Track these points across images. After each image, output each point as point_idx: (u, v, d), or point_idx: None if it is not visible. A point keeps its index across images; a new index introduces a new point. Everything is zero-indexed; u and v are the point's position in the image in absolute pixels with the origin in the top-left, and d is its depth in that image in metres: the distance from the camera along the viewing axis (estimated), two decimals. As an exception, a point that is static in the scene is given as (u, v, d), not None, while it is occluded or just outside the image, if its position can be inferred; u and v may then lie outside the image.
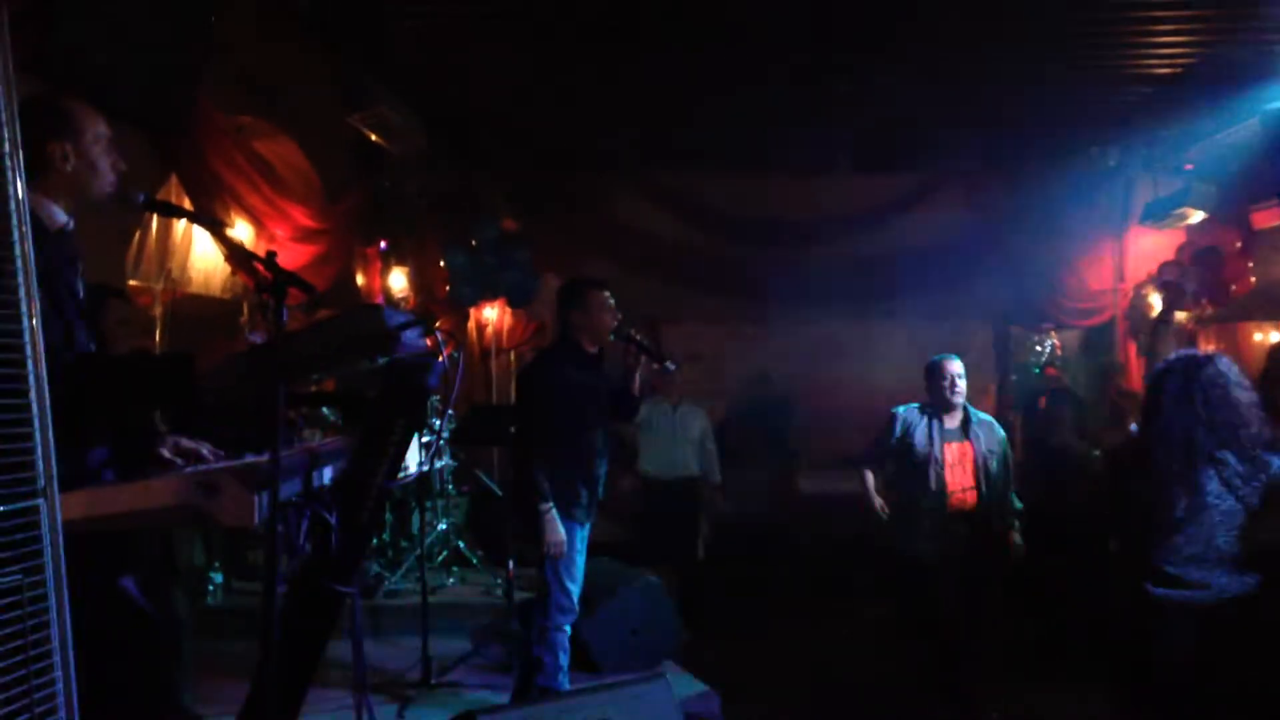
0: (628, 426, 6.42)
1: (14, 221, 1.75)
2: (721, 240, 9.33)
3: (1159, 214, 8.08)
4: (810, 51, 6.52)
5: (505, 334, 9.29)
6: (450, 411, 6.49)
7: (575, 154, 8.95)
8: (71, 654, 1.81)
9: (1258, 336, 8.85)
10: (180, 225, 5.84)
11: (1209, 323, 8.69)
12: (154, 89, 4.44)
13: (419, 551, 5.84)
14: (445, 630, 5.47)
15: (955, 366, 4.64)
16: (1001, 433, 4.76)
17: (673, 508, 6.93)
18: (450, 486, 7.23)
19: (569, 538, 4.27)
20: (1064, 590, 5.26)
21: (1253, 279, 8.03)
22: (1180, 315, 8.64)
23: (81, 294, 2.40)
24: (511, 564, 5.66)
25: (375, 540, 6.50)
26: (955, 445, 4.60)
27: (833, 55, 6.56)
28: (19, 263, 1.76)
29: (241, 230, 5.52)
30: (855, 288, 9.15)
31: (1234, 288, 8.01)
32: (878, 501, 4.84)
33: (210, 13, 4.85)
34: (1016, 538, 4.62)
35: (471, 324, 9.15)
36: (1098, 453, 5.46)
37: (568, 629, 4.39)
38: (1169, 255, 8.48)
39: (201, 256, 6.12)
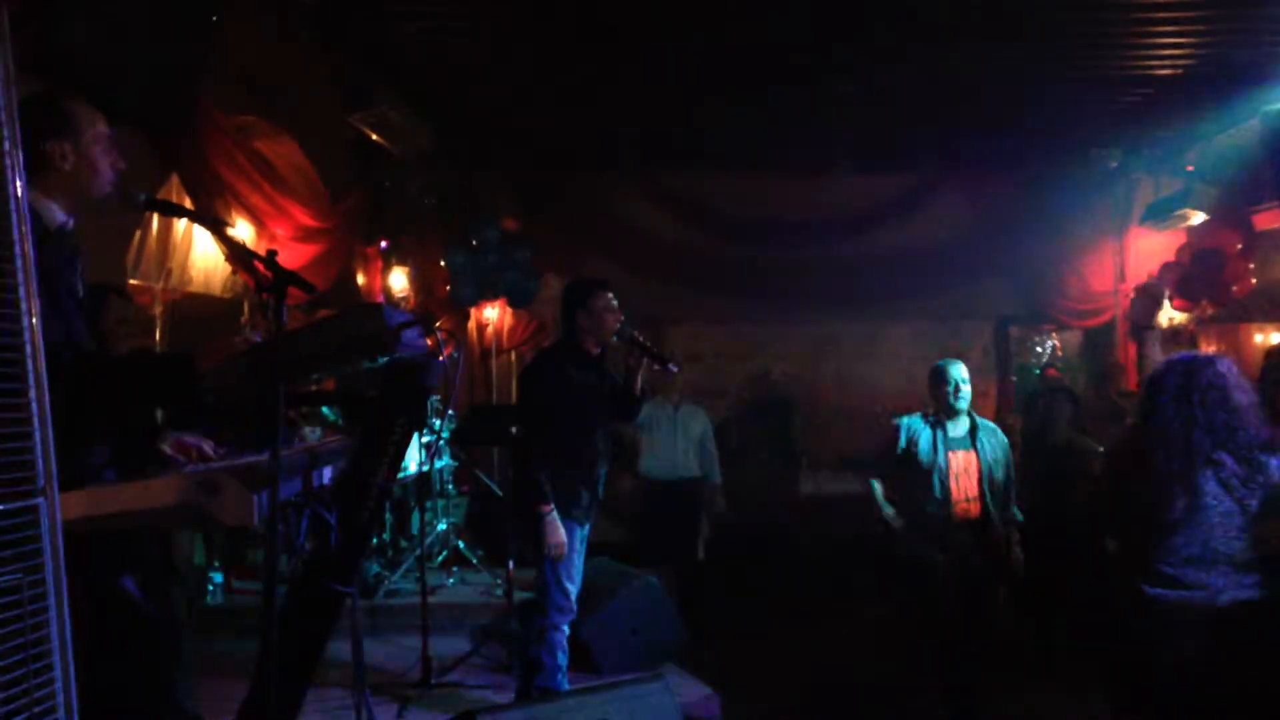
0: (628, 427, 6.42)
1: (14, 220, 1.75)
2: (722, 240, 9.33)
3: (1160, 215, 8.08)
4: (810, 51, 6.52)
5: (506, 334, 9.29)
6: (450, 411, 6.50)
7: (576, 154, 8.96)
8: (71, 654, 1.81)
9: (1258, 338, 8.86)
10: (181, 224, 5.84)
11: (1209, 324, 8.70)
12: (155, 89, 4.44)
13: (419, 551, 5.84)
14: (445, 630, 5.48)
15: (960, 371, 4.61)
16: (1005, 440, 4.72)
17: (673, 508, 6.93)
18: (450, 486, 7.24)
19: (568, 538, 4.27)
20: (1063, 590, 5.26)
21: (1253, 280, 8.03)
22: (1181, 317, 8.65)
23: (81, 293, 2.40)
24: (511, 564, 5.66)
25: (375, 540, 6.50)
26: (960, 454, 4.56)
27: (833, 55, 6.56)
28: (19, 262, 1.76)
29: (242, 230, 5.52)
30: (856, 288, 9.15)
31: (1235, 289, 8.00)
32: (889, 511, 4.76)
33: (211, 12, 4.85)
34: (1017, 551, 4.57)
35: (472, 324, 9.15)
36: (1102, 449, 5.45)
37: (566, 629, 4.38)
38: (1170, 256, 8.49)
39: (202, 256, 6.12)
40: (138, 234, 5.52)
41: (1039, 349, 9.56)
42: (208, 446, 2.40)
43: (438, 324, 2.61)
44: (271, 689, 2.17)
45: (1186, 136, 7.77)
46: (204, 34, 4.83)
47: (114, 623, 2.21)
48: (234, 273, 6.09)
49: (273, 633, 2.14)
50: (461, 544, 6.97)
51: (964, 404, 4.59)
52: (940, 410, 4.63)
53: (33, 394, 1.76)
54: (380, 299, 7.90)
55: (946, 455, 4.52)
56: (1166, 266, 8.53)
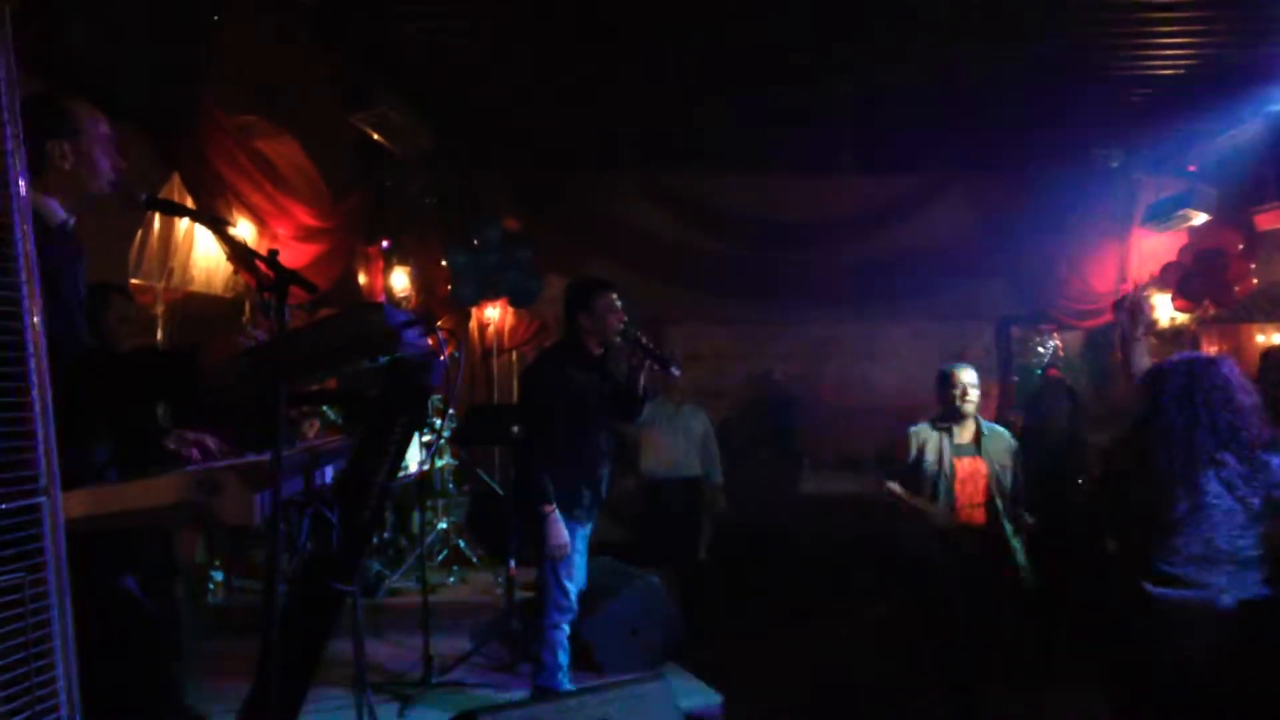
0: (630, 427, 6.42)
1: (16, 219, 1.76)
2: (723, 240, 9.33)
3: (1161, 215, 8.08)
4: (810, 51, 6.52)
5: (507, 334, 9.29)
6: (451, 411, 6.50)
7: (576, 154, 8.96)
8: (73, 653, 1.81)
9: (1260, 338, 8.85)
10: (182, 224, 5.85)
11: (1211, 324, 8.69)
12: (156, 88, 4.45)
13: (420, 550, 5.84)
14: (446, 629, 5.47)
15: (968, 375, 4.58)
16: (1014, 443, 4.68)
17: (674, 508, 6.93)
18: (451, 486, 7.24)
19: (570, 538, 4.27)
20: (1063, 590, 5.26)
21: (1255, 280, 8.03)
22: (1182, 317, 8.65)
23: (82, 292, 2.40)
24: (512, 563, 5.66)
25: (376, 539, 6.50)
26: (966, 460, 4.53)
27: (833, 55, 6.56)
28: (21, 260, 1.76)
29: (244, 229, 5.53)
30: (858, 288, 9.15)
31: (1236, 289, 8.00)
32: (917, 501, 4.57)
33: (212, 12, 4.86)
34: (1020, 558, 4.50)
35: (473, 323, 9.15)
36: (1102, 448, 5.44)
37: (567, 628, 4.38)
38: (1172, 256, 8.48)
39: (204, 255, 6.12)
40: (139, 233, 5.53)
41: (1040, 349, 9.55)
42: (210, 441, 2.40)
43: (439, 323, 2.61)
44: (273, 688, 2.17)
45: (1188, 137, 7.77)
46: (205, 34, 4.84)
47: (116, 622, 2.21)
48: (235, 272, 6.10)
49: (274, 631, 2.14)
50: (462, 543, 6.98)
51: (971, 408, 4.55)
52: (946, 414, 4.59)
53: (35, 393, 1.76)
54: (382, 298, 7.91)
55: (952, 462, 4.50)
56: (1168, 267, 8.53)
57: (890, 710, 4.99)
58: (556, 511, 4.22)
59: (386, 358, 2.41)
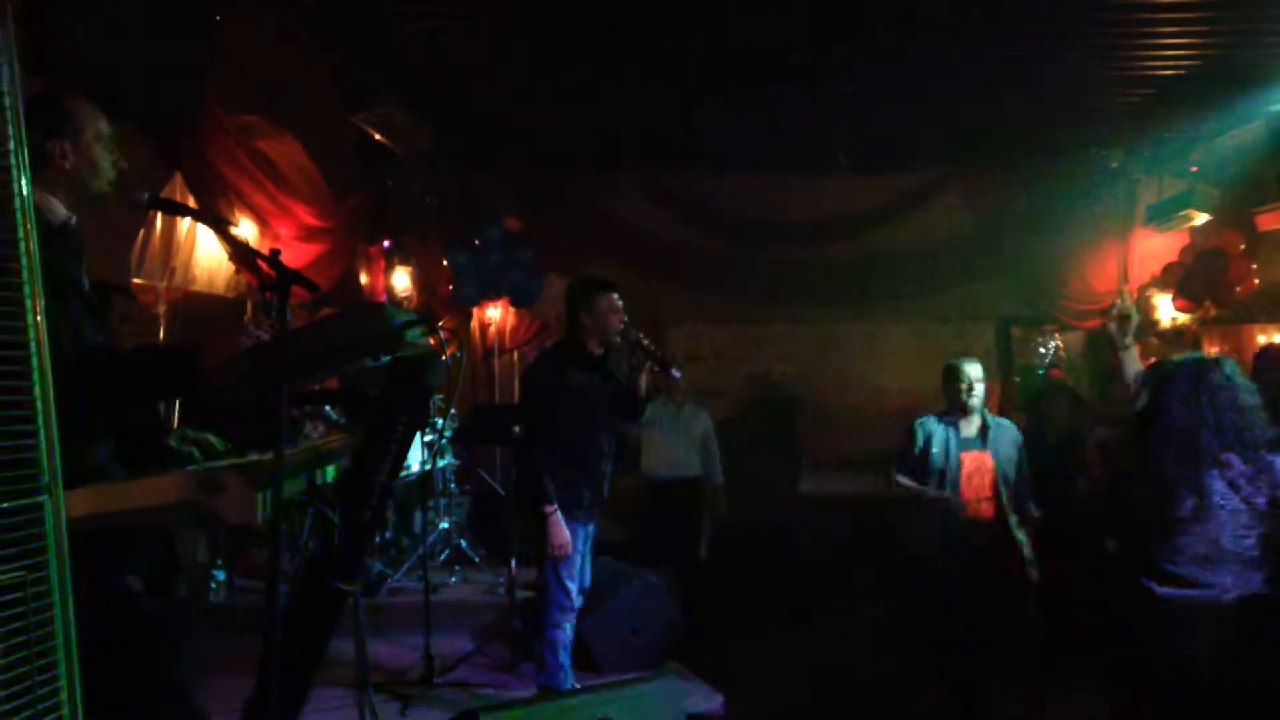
0: (631, 427, 6.43)
1: (18, 219, 1.76)
2: (723, 240, 9.33)
3: (1163, 215, 8.07)
4: (810, 51, 6.52)
5: (508, 334, 9.29)
6: (453, 410, 6.50)
7: (576, 154, 8.95)
8: (75, 651, 1.81)
9: (1261, 338, 8.84)
10: (184, 224, 5.85)
11: (1213, 324, 8.69)
12: (157, 88, 4.45)
13: (421, 550, 5.85)
14: (447, 629, 5.48)
15: (974, 370, 4.60)
16: (1019, 437, 4.69)
17: (675, 508, 6.93)
18: (452, 485, 7.24)
19: (571, 538, 4.27)
20: (1064, 589, 5.25)
21: (1256, 280, 8.03)
22: (1184, 317, 8.64)
23: (88, 287, 2.40)
24: (514, 563, 5.67)
25: (378, 539, 6.50)
26: (973, 454, 4.53)
27: (833, 55, 6.56)
28: (24, 260, 1.76)
29: (246, 229, 5.54)
30: (857, 288, 9.15)
31: (1238, 289, 8.00)
32: (929, 490, 4.56)
33: (213, 12, 4.86)
34: (1026, 551, 4.48)
35: (474, 323, 9.16)
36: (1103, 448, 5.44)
37: (568, 628, 4.39)
38: (1173, 257, 8.48)
39: (205, 255, 6.13)
40: (141, 233, 5.53)
41: (1042, 349, 9.55)
42: (213, 438, 2.41)
43: (440, 323, 2.61)
44: (275, 687, 2.18)
45: (1190, 137, 7.77)
46: (206, 33, 4.83)
47: (118, 621, 2.21)
48: (237, 272, 6.10)
49: (276, 631, 2.15)
50: (464, 543, 6.98)
51: (977, 402, 4.57)
52: (953, 409, 4.61)
53: (37, 391, 1.76)
54: (383, 298, 7.91)
55: (959, 455, 4.50)
56: (1169, 267, 8.53)
57: (890, 710, 4.99)
58: (558, 511, 4.22)
59: (388, 357, 2.41)
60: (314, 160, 6.40)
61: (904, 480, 4.66)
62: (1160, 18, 6.07)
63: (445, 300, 8.69)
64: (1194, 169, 7.86)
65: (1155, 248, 8.71)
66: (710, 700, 4.79)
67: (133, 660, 2.29)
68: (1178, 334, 8.69)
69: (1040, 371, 9.22)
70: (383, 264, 8.28)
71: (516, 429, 5.25)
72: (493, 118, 8.04)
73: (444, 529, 6.93)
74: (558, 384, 4.34)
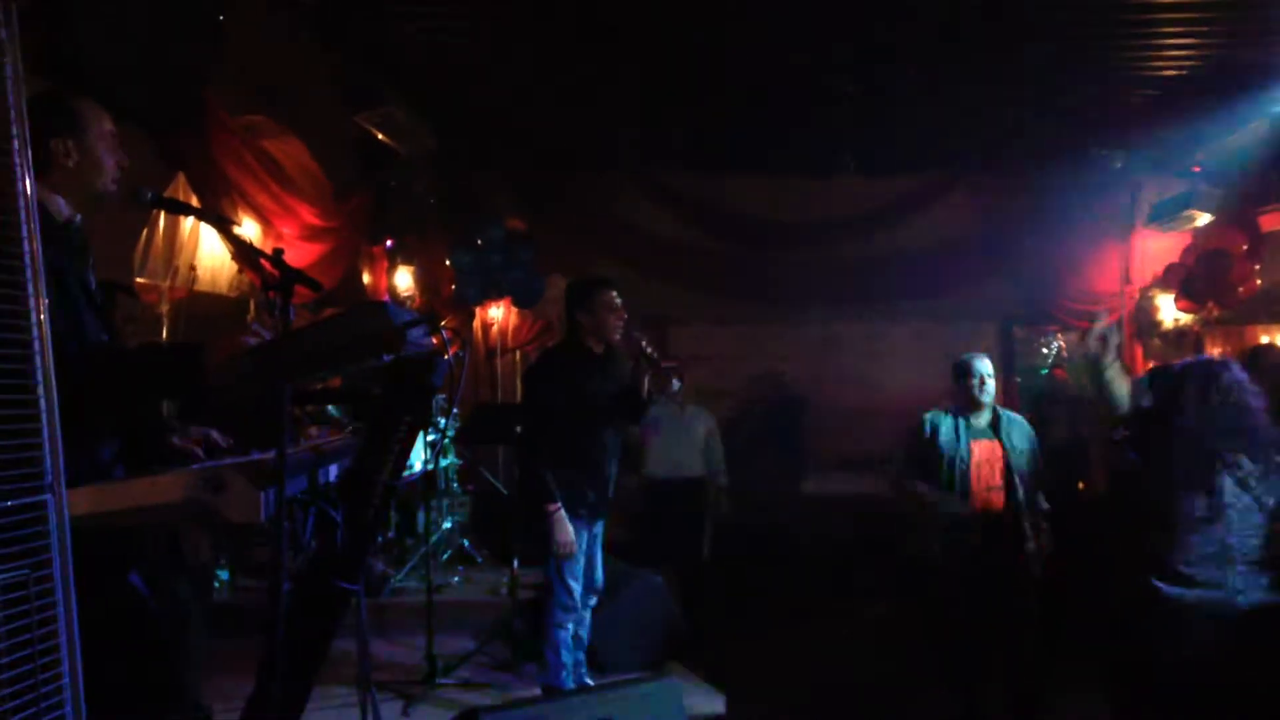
0: (634, 427, 6.43)
1: (22, 218, 1.76)
2: (724, 241, 9.33)
3: (1165, 216, 8.07)
4: (810, 51, 6.52)
5: (510, 333, 9.30)
6: (455, 410, 6.51)
7: (576, 154, 8.95)
8: (78, 650, 1.81)
9: (1264, 339, 8.83)
10: (188, 223, 5.86)
11: (1215, 325, 8.68)
12: (161, 88, 4.46)
13: (424, 550, 5.85)
14: (450, 628, 5.48)
15: (984, 366, 4.59)
16: (1031, 430, 4.66)
17: (677, 508, 6.93)
18: (455, 485, 7.25)
19: (576, 537, 4.27)
20: (1065, 589, 5.24)
21: (1259, 281, 8.02)
22: (1186, 318, 8.63)
23: (93, 285, 2.41)
24: (516, 563, 5.67)
25: (380, 538, 6.51)
26: (984, 443, 4.51)
27: (833, 55, 6.56)
28: (27, 259, 1.77)
29: (249, 228, 5.54)
30: (859, 288, 9.14)
31: (1240, 290, 7.99)
32: (937, 496, 4.51)
33: (217, 12, 4.87)
34: (1031, 546, 4.45)
35: (477, 323, 9.16)
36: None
37: (571, 627, 4.39)
38: (1175, 257, 8.47)
39: (209, 254, 6.14)
40: (145, 232, 5.54)
41: (1044, 350, 9.56)
42: (215, 435, 2.41)
43: (443, 323, 2.61)
44: (278, 686, 2.18)
45: (1192, 138, 7.75)
46: (209, 33, 4.84)
47: (121, 619, 2.22)
48: (240, 271, 6.11)
49: (278, 630, 2.15)
50: (466, 542, 6.99)
51: (989, 397, 4.56)
52: (964, 405, 4.59)
53: (40, 390, 1.77)
54: (386, 298, 7.92)
55: (969, 444, 4.49)
56: (1171, 267, 8.52)
57: (891, 710, 4.99)
58: (561, 510, 4.22)
59: (390, 357, 2.41)
60: (317, 160, 6.41)
61: (919, 487, 4.60)
62: (1163, 18, 6.06)
63: (448, 300, 8.69)
64: (1197, 169, 7.85)
65: (1158, 248, 8.71)
66: (712, 700, 4.80)
67: (136, 659, 2.29)
68: (1180, 335, 8.69)
69: (1043, 372, 9.22)
70: (385, 264, 8.29)
71: (519, 429, 5.26)
72: (493, 118, 8.04)
73: (446, 529, 6.94)
74: (559, 383, 4.35)
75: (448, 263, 8.58)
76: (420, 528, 6.67)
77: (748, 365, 9.66)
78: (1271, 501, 3.17)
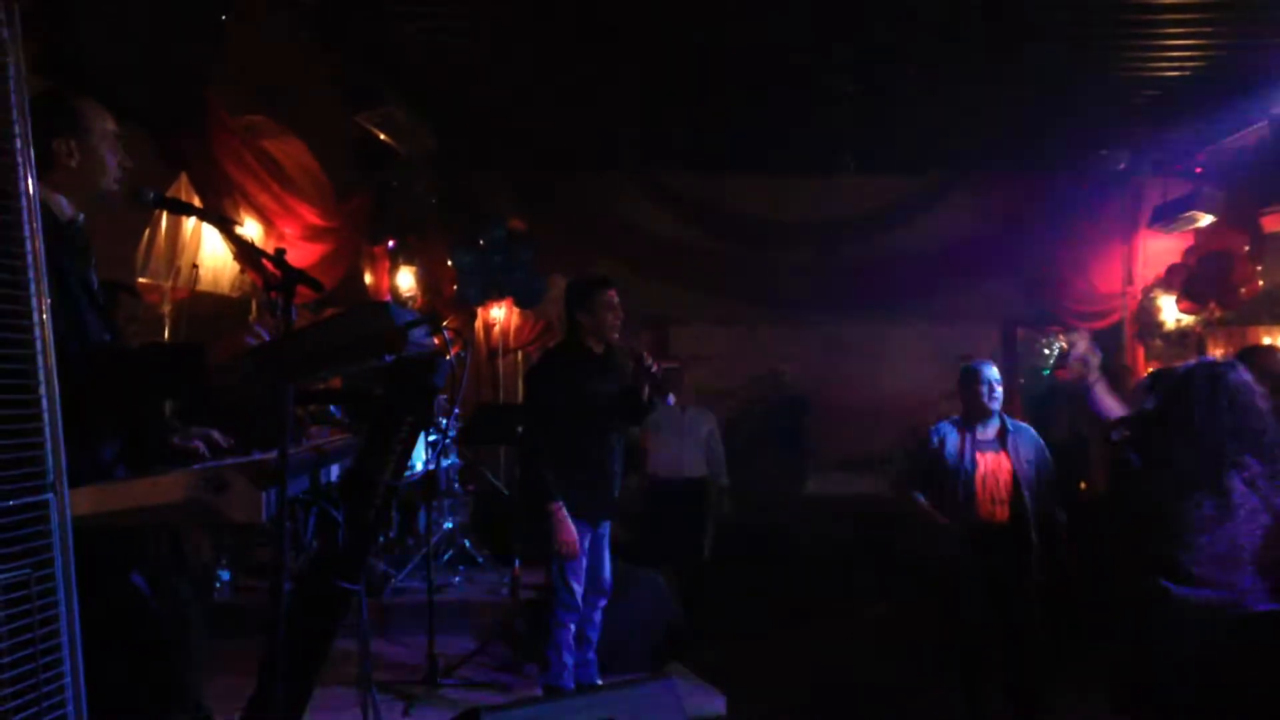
0: (635, 428, 6.43)
1: (25, 218, 1.76)
2: (725, 241, 9.33)
3: (1168, 217, 8.06)
4: (810, 51, 6.52)
5: (512, 334, 9.30)
6: (456, 410, 6.51)
7: (576, 154, 8.96)
8: (80, 650, 1.81)
9: (1266, 340, 8.82)
10: (190, 223, 5.87)
11: (1217, 326, 8.67)
12: (162, 88, 4.46)
13: (425, 550, 5.85)
14: (451, 629, 5.48)
15: (992, 372, 4.54)
16: (1040, 441, 4.62)
17: (679, 508, 6.93)
18: (456, 485, 7.25)
19: (580, 537, 4.27)
20: (1067, 591, 5.24)
21: (1261, 283, 8.01)
22: (1188, 319, 8.63)
23: (96, 285, 2.41)
24: (517, 563, 5.67)
25: (382, 538, 6.51)
26: (990, 455, 4.46)
27: (833, 55, 6.55)
28: (30, 259, 1.77)
29: (251, 229, 5.55)
30: (861, 289, 9.13)
31: (1242, 291, 7.98)
32: (940, 518, 4.50)
33: (219, 13, 4.87)
34: (1034, 553, 4.43)
35: (478, 323, 9.16)
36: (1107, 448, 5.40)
37: (573, 628, 4.39)
38: (1178, 258, 8.47)
39: (211, 254, 6.14)
40: (147, 232, 5.55)
41: (1047, 351, 9.55)
42: (217, 435, 2.41)
43: (445, 323, 2.61)
44: (279, 686, 2.18)
45: (1195, 139, 7.75)
46: (211, 34, 4.85)
47: (122, 619, 2.22)
48: (242, 271, 6.11)
49: (280, 630, 2.15)
50: (467, 543, 6.99)
51: (997, 405, 4.52)
52: (972, 412, 4.55)
53: (43, 389, 1.77)
54: (387, 298, 7.92)
55: (974, 456, 4.44)
56: (1173, 268, 8.52)
57: (891, 710, 4.99)
58: (563, 510, 4.22)
59: (392, 357, 2.41)
60: (319, 160, 6.42)
61: (920, 500, 4.60)
62: (1166, 19, 6.06)
63: (450, 300, 8.69)
64: (1199, 170, 7.85)
65: (1160, 249, 8.70)
66: (712, 700, 4.79)
67: (137, 659, 2.30)
68: (1182, 336, 8.68)
69: (1045, 373, 9.21)
70: (387, 264, 8.29)
71: (521, 428, 5.26)
72: (493, 118, 8.05)
73: (448, 529, 6.94)
74: (559, 383, 4.35)
75: (449, 263, 8.58)
76: (422, 528, 6.67)
77: (748, 365, 9.67)
78: (1279, 501, 3.18)
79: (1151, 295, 8.91)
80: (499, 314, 9.14)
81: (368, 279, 8.00)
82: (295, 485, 2.21)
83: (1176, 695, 3.19)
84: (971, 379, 4.55)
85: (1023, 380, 9.59)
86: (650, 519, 7.02)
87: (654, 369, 4.37)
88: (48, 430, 1.77)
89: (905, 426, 7.84)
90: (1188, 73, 6.77)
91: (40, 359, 1.76)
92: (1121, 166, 8.63)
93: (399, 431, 2.48)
